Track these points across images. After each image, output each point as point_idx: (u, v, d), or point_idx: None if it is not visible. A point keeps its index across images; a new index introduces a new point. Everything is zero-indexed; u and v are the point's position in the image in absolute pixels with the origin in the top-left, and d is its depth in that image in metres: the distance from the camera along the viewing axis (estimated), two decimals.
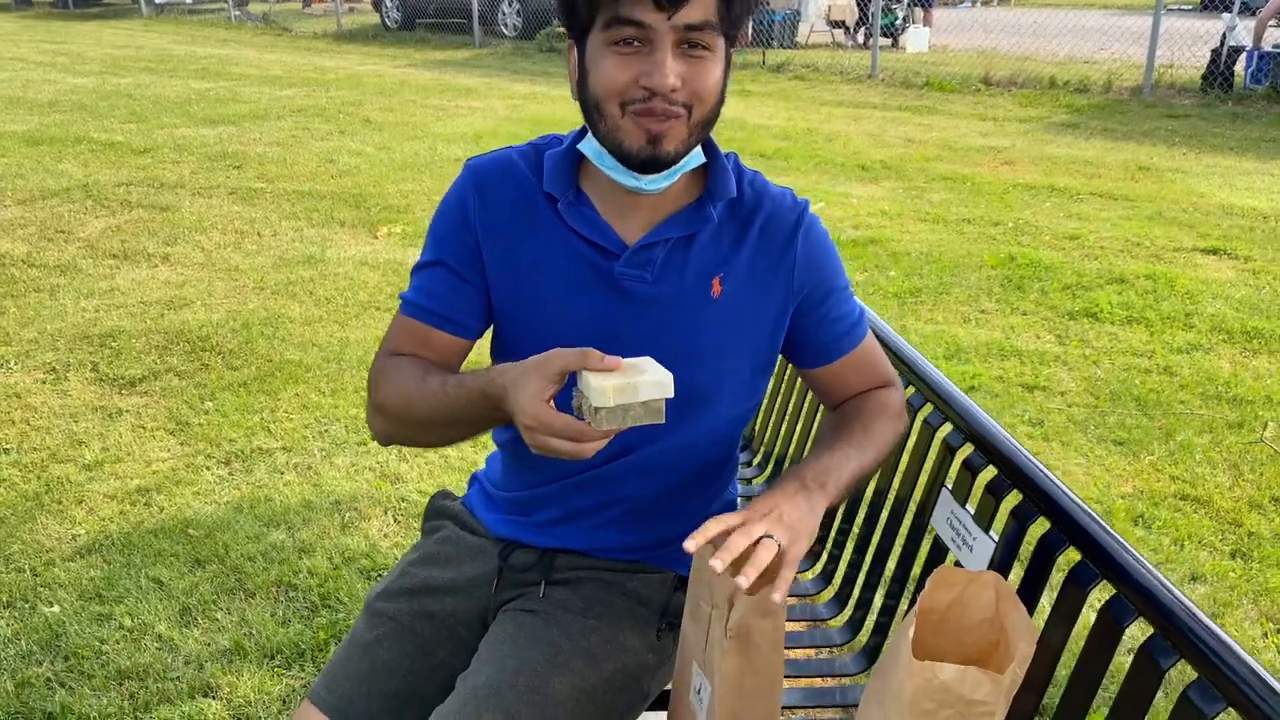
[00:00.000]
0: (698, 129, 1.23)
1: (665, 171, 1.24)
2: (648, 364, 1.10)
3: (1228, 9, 10.75)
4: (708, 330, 1.33)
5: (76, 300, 4.58)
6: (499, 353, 1.41)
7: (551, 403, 1.11)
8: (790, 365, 1.67)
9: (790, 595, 1.87)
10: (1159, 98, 10.21)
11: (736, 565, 1.09)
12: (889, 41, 14.41)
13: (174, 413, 3.51)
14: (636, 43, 1.16)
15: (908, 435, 1.43)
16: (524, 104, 10.24)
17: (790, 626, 1.83)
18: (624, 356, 1.15)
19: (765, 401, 2.21)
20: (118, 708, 2.15)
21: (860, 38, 14.97)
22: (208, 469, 3.16)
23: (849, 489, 1.29)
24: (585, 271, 1.32)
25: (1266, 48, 10.09)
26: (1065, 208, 6.37)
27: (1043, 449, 3.34)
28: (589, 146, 1.28)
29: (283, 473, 3.14)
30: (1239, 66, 10.21)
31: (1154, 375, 3.90)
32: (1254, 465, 3.23)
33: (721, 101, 1.24)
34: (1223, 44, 10.14)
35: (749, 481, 2.18)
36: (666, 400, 1.07)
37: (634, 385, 1.05)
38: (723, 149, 1.35)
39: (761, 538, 1.11)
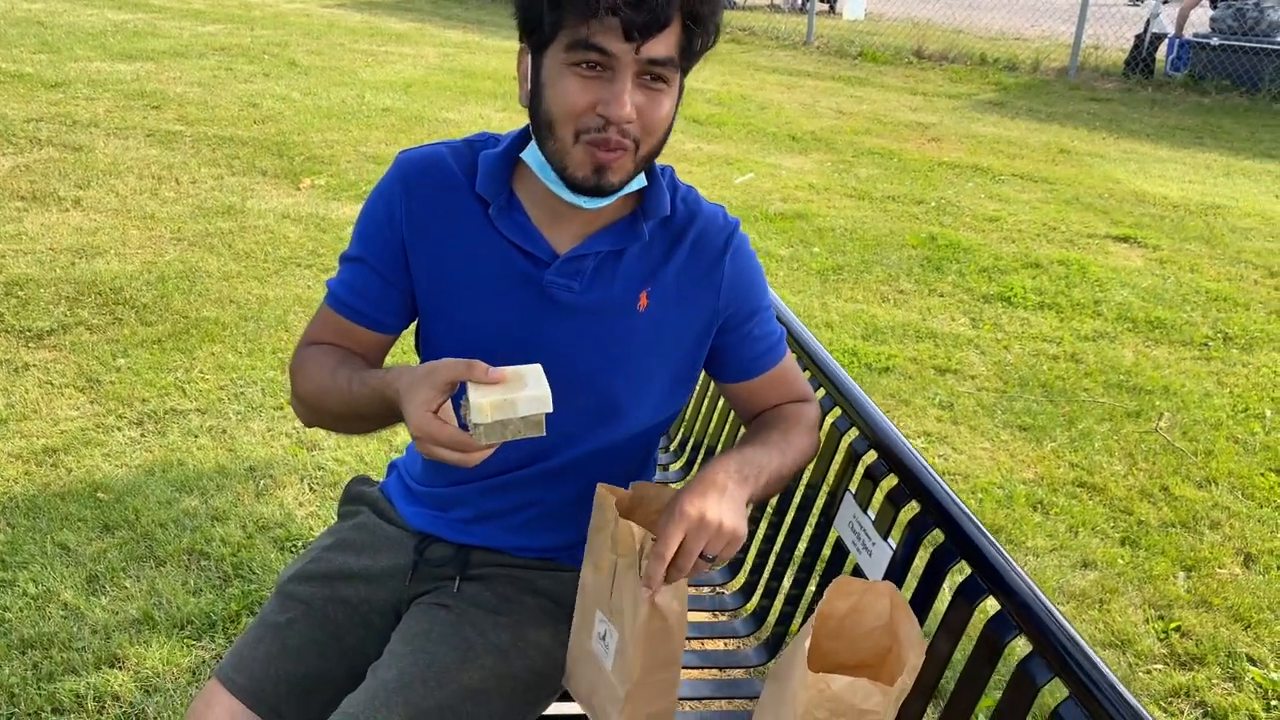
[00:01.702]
0: (643, 161, 1.25)
1: (605, 197, 1.26)
2: (532, 376, 1.12)
3: None
4: (631, 342, 1.36)
5: None
6: (423, 349, 1.42)
7: (443, 411, 1.14)
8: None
9: (699, 586, 1.93)
10: (1083, 80, 10.44)
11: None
12: (826, 7, 14.44)
13: (84, 369, 3.42)
14: (599, 68, 1.17)
15: (816, 452, 1.48)
16: (456, 53, 10.05)
17: (696, 617, 1.89)
18: (546, 364, 1.17)
19: None
20: (20, 678, 2.12)
21: (798, 1, 14.96)
22: (119, 430, 3.09)
23: (768, 488, 1.33)
24: (513, 278, 1.33)
25: (1187, 36, 10.37)
26: (987, 188, 6.51)
27: (951, 432, 3.45)
28: (532, 157, 1.28)
29: (197, 436, 3.10)
30: (1160, 53, 10.48)
31: (1061, 362, 4.05)
32: (1148, 455, 3.38)
33: (668, 134, 1.26)
34: (1146, 30, 10.38)
35: (665, 468, 2.22)
36: (546, 415, 1.10)
37: (512, 402, 1.08)
38: None
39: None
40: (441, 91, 8.20)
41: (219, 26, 10.62)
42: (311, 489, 2.87)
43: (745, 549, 1.83)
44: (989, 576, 1.19)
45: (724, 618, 1.87)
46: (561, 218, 1.33)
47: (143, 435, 3.08)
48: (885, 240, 5.35)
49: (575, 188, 1.24)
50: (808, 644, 1.16)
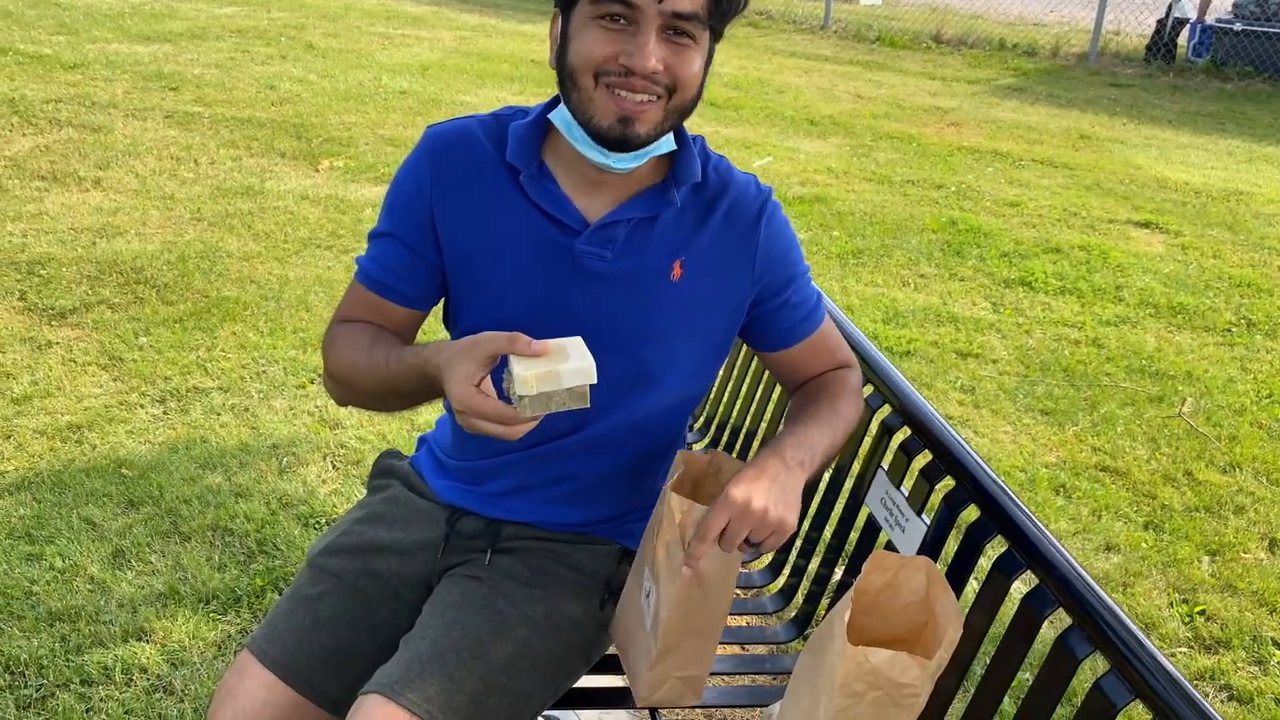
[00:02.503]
0: (674, 114, 1.23)
1: (635, 152, 1.25)
2: (575, 348, 1.11)
3: None
4: (664, 311, 1.35)
5: (2, 224, 4.43)
6: (453, 323, 1.42)
7: (484, 384, 1.14)
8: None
9: None
10: (1104, 66, 10.35)
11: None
12: None
13: (107, 347, 3.44)
14: (623, 20, 1.17)
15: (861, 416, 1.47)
16: (472, 36, 10.03)
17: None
18: (578, 334, 1.16)
19: None
20: (49, 650, 2.14)
21: None
22: (142, 407, 3.11)
23: (823, 466, 1.34)
24: (544, 246, 1.32)
25: (1209, 21, 10.26)
26: (1007, 174, 6.46)
27: (973, 416, 3.43)
28: (560, 117, 1.28)
29: (219, 414, 3.11)
30: (1182, 39, 10.38)
31: (1083, 347, 4.02)
32: (1171, 439, 3.36)
33: (700, 93, 1.25)
34: (1168, 15, 10.28)
35: (689, 446, 2.21)
36: (591, 386, 1.09)
37: (556, 374, 1.07)
38: None
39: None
40: (458, 74, 8.19)
41: (236, 9, 10.62)
42: (334, 466, 2.88)
43: None
44: (1027, 551, 1.19)
45: (750, 595, 1.87)
46: (592, 185, 1.32)
47: (165, 413, 3.10)
48: (905, 224, 5.32)
49: (602, 138, 1.23)
50: (847, 616, 1.15)
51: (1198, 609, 2.55)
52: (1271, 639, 2.46)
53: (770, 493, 1.18)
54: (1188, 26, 10.34)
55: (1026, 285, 4.61)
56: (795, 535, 1.77)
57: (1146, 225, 5.57)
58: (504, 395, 1.13)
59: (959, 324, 4.15)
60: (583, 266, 1.32)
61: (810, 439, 1.30)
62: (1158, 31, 10.37)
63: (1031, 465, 3.15)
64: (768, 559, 1.88)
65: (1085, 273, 4.79)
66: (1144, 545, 2.79)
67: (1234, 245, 5.32)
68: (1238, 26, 9.80)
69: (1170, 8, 10.26)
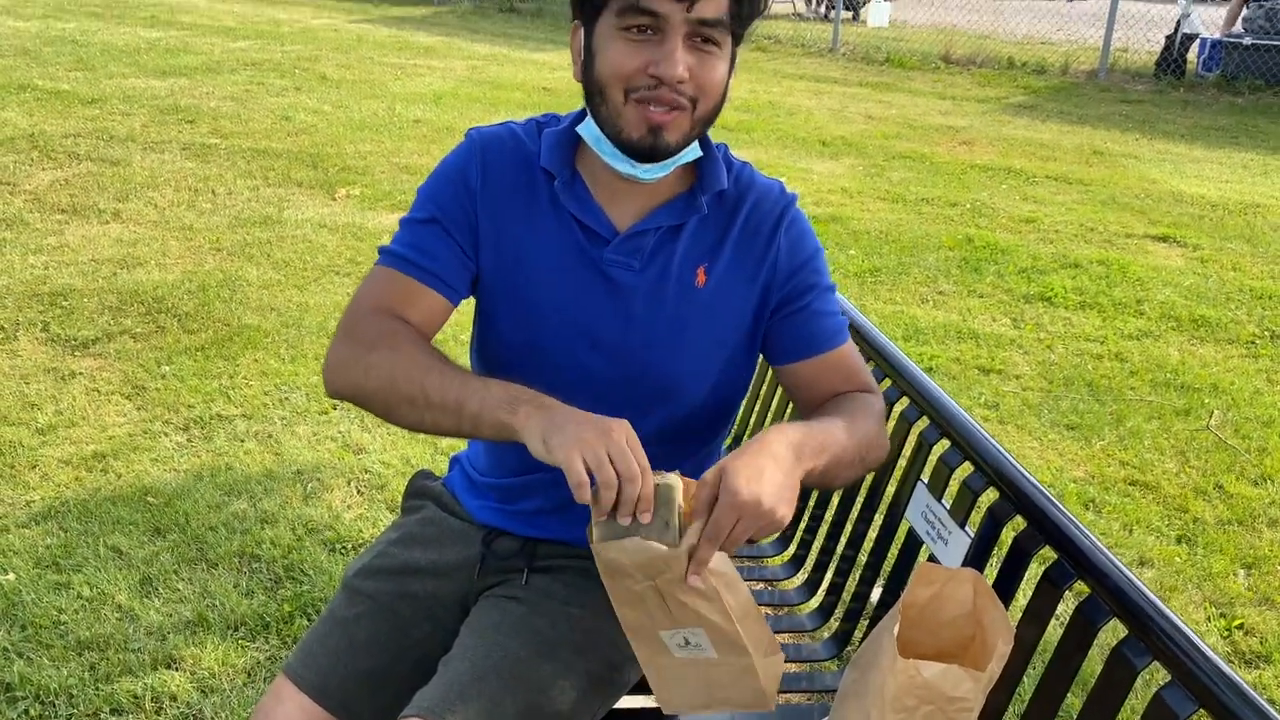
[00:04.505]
0: (700, 123, 1.23)
1: (663, 161, 1.25)
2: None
3: None
4: (690, 318, 1.34)
5: (24, 256, 4.46)
6: (481, 337, 1.41)
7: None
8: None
9: (758, 580, 1.90)
10: (1114, 82, 10.36)
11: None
12: (850, 14, 14.42)
13: (130, 376, 3.45)
14: (649, 31, 1.17)
15: (886, 453, 1.37)
16: (484, 65, 10.11)
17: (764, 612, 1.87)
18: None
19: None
20: (78, 679, 2.13)
21: (821, 9, 14.95)
22: (166, 435, 3.11)
23: (827, 472, 1.22)
24: (573, 253, 1.32)
25: (1219, 35, 10.27)
26: (1021, 190, 6.46)
27: (998, 432, 3.41)
28: (588, 130, 1.28)
29: (243, 440, 3.11)
30: (1191, 54, 10.38)
31: (1106, 361, 4.00)
32: (1200, 452, 3.33)
33: (724, 99, 1.25)
34: (1177, 31, 10.29)
35: None
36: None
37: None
38: None
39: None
40: (471, 103, 8.24)
41: (249, 42, 10.74)
42: (359, 491, 2.87)
43: (809, 541, 1.81)
44: (1077, 561, 1.17)
45: (785, 612, 1.84)
46: (620, 195, 1.32)
47: (189, 441, 3.10)
48: (921, 242, 5.31)
49: (631, 150, 1.22)
50: (896, 630, 1.13)
51: (1235, 623, 2.51)
52: None
53: (774, 482, 1.09)
54: (1197, 41, 10.34)
55: (1046, 300, 4.59)
56: (833, 553, 1.76)
57: (1164, 239, 5.54)
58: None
59: (980, 340, 4.13)
60: (610, 275, 1.31)
61: (822, 436, 1.21)
62: (1167, 47, 10.38)
63: (1060, 480, 3.12)
64: (802, 578, 1.86)
65: (1105, 287, 4.76)
66: (1178, 559, 2.76)
67: (1253, 257, 5.29)
68: (1247, 41, 9.80)
69: (1179, 23, 10.27)
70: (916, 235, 5.42)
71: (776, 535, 2.00)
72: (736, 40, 1.23)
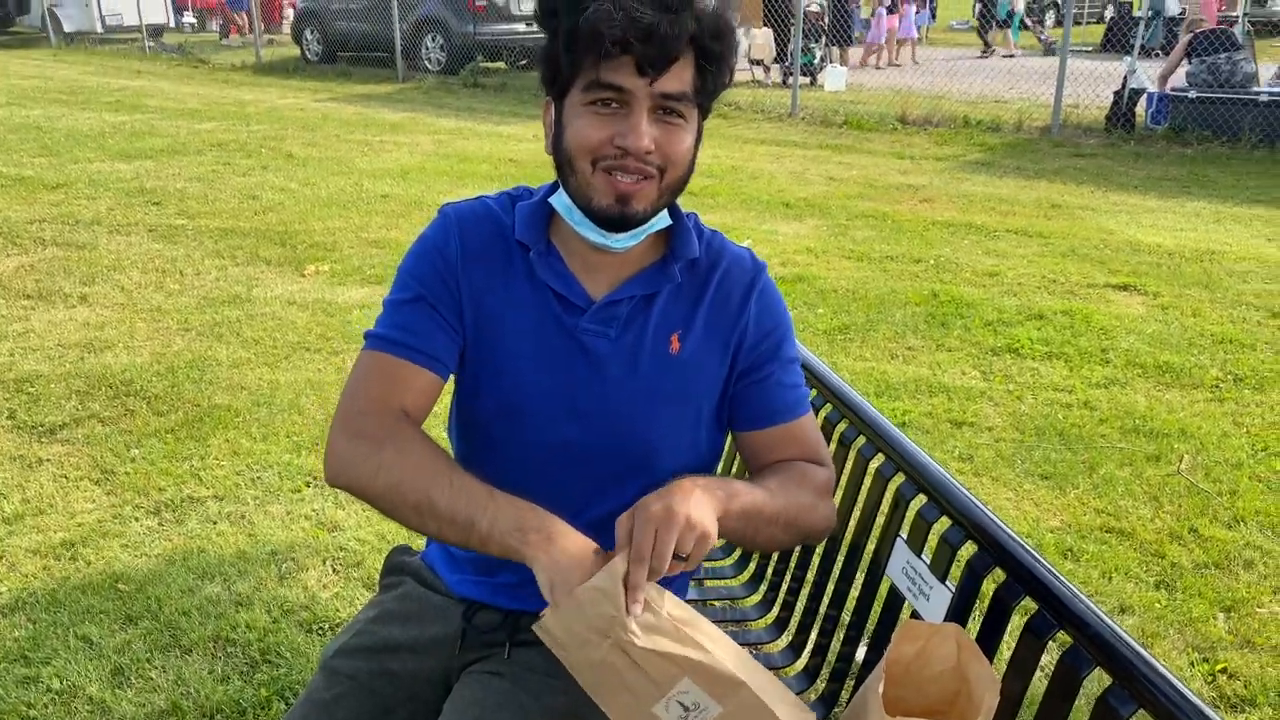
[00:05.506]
0: (668, 192, 1.26)
1: (633, 231, 1.27)
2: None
3: (1127, 51, 11.26)
4: (664, 385, 1.36)
5: None
6: (463, 407, 1.41)
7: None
8: None
9: (741, 645, 1.89)
10: (1066, 137, 10.61)
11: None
12: (807, 80, 14.74)
13: (98, 461, 3.40)
14: (615, 105, 1.20)
15: (828, 525, 1.38)
16: (450, 139, 10.22)
17: None
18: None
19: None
20: None
21: (779, 75, 15.28)
22: (136, 520, 3.06)
23: (744, 519, 1.25)
24: (550, 322, 1.34)
25: (1165, 90, 10.58)
26: (983, 245, 6.57)
27: (974, 484, 3.42)
28: (559, 201, 1.31)
29: (215, 522, 3.06)
30: (1140, 107, 10.67)
31: (1075, 410, 4.04)
32: (1172, 497, 3.36)
33: (692, 168, 1.28)
34: (1124, 86, 10.59)
35: None
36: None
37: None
38: None
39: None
40: (438, 177, 8.31)
41: (215, 124, 10.81)
42: (334, 570, 2.83)
43: (791, 603, 1.80)
44: (1059, 612, 1.18)
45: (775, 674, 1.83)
46: (594, 265, 1.34)
47: (161, 524, 3.05)
48: (888, 299, 5.38)
49: (601, 219, 1.25)
50: (881, 688, 1.13)
51: (1219, 667, 2.51)
52: None
53: (687, 501, 1.14)
54: (1144, 96, 10.64)
55: (1013, 352, 4.65)
56: (816, 613, 1.75)
57: (1125, 288, 5.65)
58: None
59: (951, 394, 4.17)
60: (586, 344, 1.33)
61: (734, 486, 1.25)
62: (1115, 102, 10.67)
63: (1037, 531, 3.14)
64: (786, 640, 1.85)
65: (1070, 337, 4.83)
66: (1158, 605, 2.76)
67: (1211, 303, 5.39)
68: (1193, 94, 10.10)
69: (1126, 79, 10.57)
70: (883, 292, 5.49)
71: (747, 579, 1.99)
72: (704, 112, 1.27)
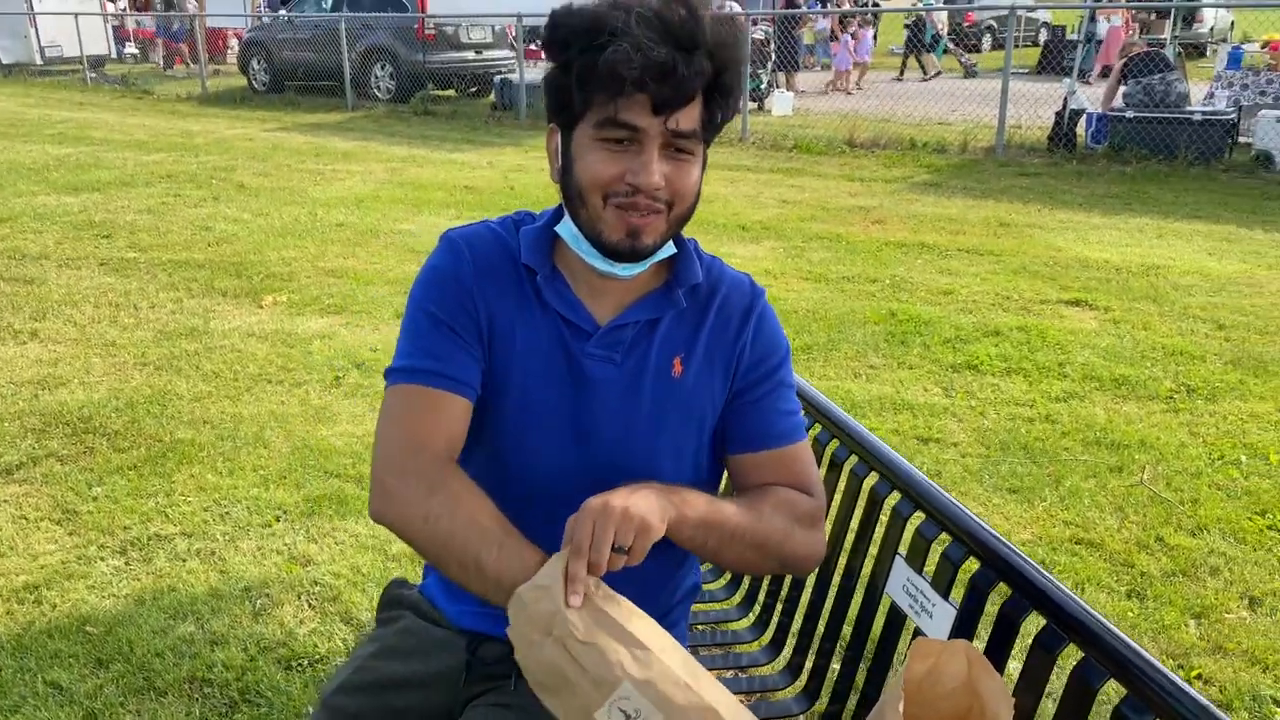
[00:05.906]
0: (675, 223, 1.28)
1: (640, 260, 1.28)
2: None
3: (1063, 74, 11.55)
4: (668, 407, 1.37)
5: None
6: (477, 432, 1.40)
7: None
8: None
9: (735, 668, 1.89)
10: (1011, 157, 10.85)
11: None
12: (755, 105, 14.91)
13: (59, 500, 3.32)
14: (626, 141, 1.20)
15: (812, 553, 1.36)
16: (403, 166, 10.17)
17: (741, 700, 1.85)
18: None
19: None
20: None
21: None
22: (102, 560, 2.99)
23: (704, 528, 1.25)
24: (555, 348, 1.35)
25: (1103, 110, 10.87)
26: (936, 264, 6.67)
27: None
28: (566, 230, 1.31)
29: (185, 560, 3.00)
30: (1080, 127, 10.95)
31: (1037, 424, 4.11)
32: (1137, 507, 3.42)
33: (697, 199, 1.30)
34: (1065, 107, 10.86)
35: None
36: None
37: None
38: None
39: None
40: (394, 204, 8.27)
41: (163, 155, 10.65)
42: (310, 605, 2.79)
43: (786, 625, 1.81)
44: (1068, 625, 1.19)
45: (757, 697, 1.83)
46: (599, 290, 1.35)
47: (128, 564, 2.98)
48: (847, 318, 5.44)
49: (611, 252, 1.26)
50: (901, 707, 1.14)
51: (1194, 673, 2.56)
52: (1271, 697, 2.48)
53: (630, 497, 1.16)
54: (1084, 116, 10.91)
55: (973, 368, 4.72)
56: (812, 634, 1.76)
57: (1076, 303, 5.77)
58: None
59: (915, 411, 4.22)
60: (590, 369, 1.34)
61: (695, 498, 1.25)
62: (1057, 123, 10.93)
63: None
64: (782, 662, 1.85)
65: (1027, 352, 4.92)
66: (1130, 614, 2.81)
67: (1160, 316, 5.53)
68: (1130, 114, 10.38)
69: (1066, 99, 10.84)
70: (842, 312, 5.56)
71: (733, 591, 2.00)
72: (707, 144, 1.28)
